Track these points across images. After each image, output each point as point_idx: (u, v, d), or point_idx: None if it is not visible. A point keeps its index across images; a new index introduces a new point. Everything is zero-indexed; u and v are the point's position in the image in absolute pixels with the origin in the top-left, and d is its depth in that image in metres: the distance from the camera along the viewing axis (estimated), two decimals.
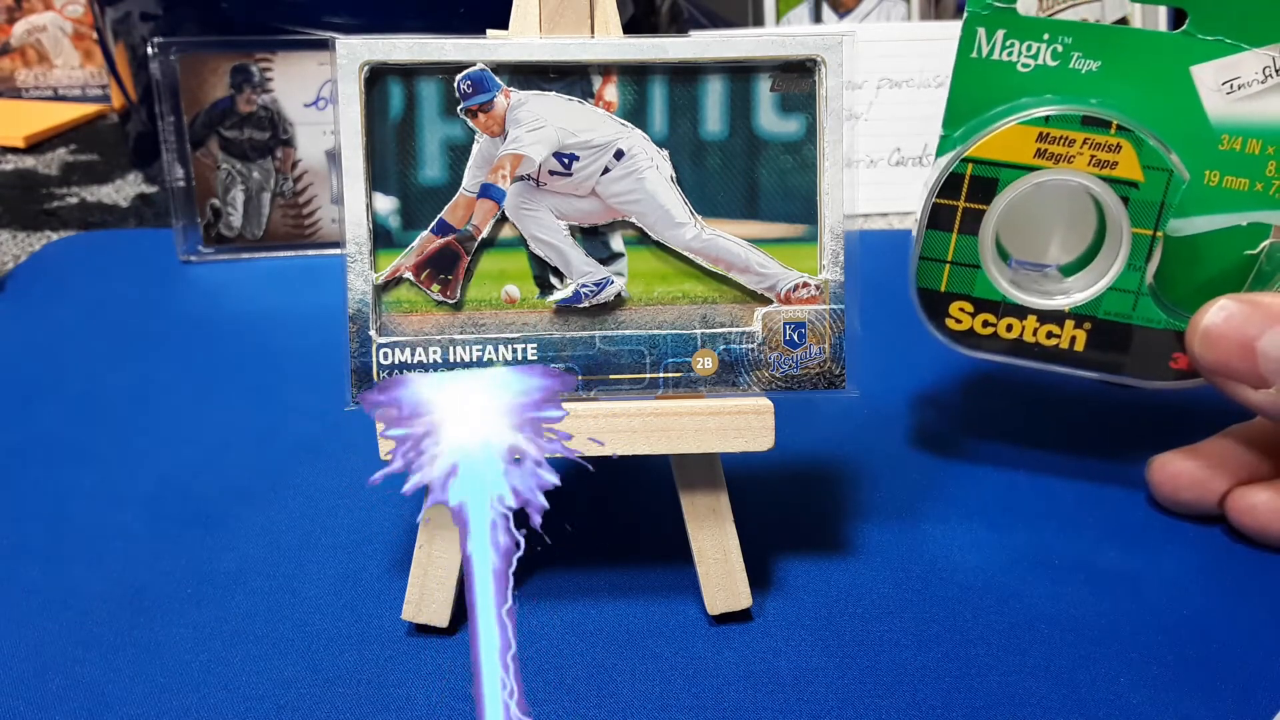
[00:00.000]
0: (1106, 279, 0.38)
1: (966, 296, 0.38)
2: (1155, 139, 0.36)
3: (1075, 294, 0.38)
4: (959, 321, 0.39)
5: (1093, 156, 0.36)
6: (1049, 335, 0.38)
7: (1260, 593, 0.36)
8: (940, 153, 0.39)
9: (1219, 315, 0.35)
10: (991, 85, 0.38)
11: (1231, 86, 0.37)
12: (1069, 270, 0.40)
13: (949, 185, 0.37)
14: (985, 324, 0.39)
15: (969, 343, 0.39)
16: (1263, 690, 0.32)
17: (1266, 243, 0.38)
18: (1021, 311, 0.38)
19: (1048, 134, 0.37)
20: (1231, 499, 0.38)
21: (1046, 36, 0.37)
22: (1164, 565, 0.37)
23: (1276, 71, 0.36)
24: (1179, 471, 0.39)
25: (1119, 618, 0.35)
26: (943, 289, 0.39)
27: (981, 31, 0.38)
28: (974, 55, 0.38)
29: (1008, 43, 0.38)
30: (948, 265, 0.38)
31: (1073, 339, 0.38)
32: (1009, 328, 0.38)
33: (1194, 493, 0.39)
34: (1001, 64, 0.38)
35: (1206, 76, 0.37)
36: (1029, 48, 0.38)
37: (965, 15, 0.38)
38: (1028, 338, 0.39)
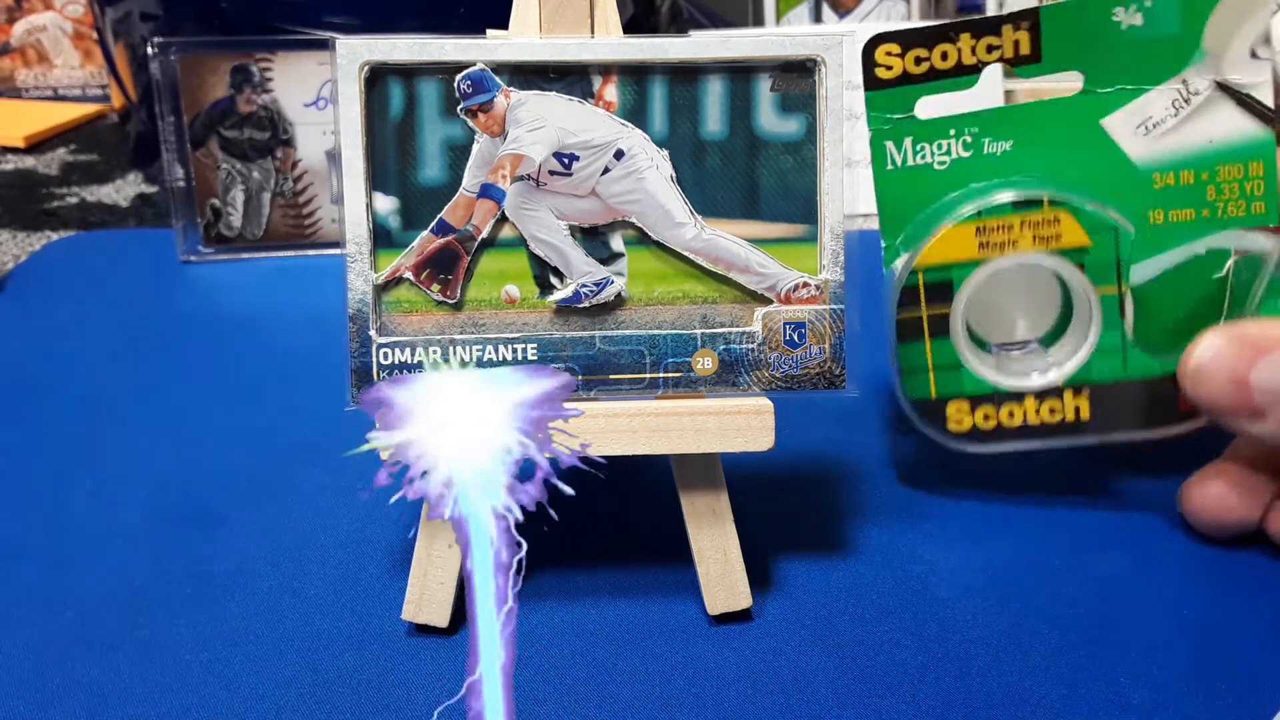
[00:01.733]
0: (1088, 345, 0.37)
1: (959, 396, 0.38)
2: (1092, 202, 0.36)
3: (1063, 366, 0.38)
4: (959, 422, 0.38)
5: (1035, 235, 0.37)
6: (1051, 412, 0.38)
7: (1260, 593, 0.36)
8: (888, 262, 0.39)
9: (1206, 354, 0.34)
10: (915, 189, 0.38)
11: (1146, 128, 0.37)
12: (1049, 339, 0.39)
13: (906, 298, 0.37)
14: (985, 417, 0.38)
15: (976, 440, 0.39)
16: (1263, 690, 0.32)
17: (1230, 262, 0.37)
18: (1018, 396, 0.38)
19: (984, 226, 0.37)
20: (1274, 518, 0.37)
21: (953, 132, 0.38)
22: (1164, 565, 0.37)
23: (1185, 101, 0.36)
24: (1220, 494, 0.37)
25: (1119, 618, 0.35)
26: (933, 395, 0.38)
27: (890, 145, 0.38)
28: (890, 168, 0.38)
29: (918, 148, 0.38)
30: (931, 372, 0.38)
31: (1076, 409, 0.38)
32: (1010, 415, 0.38)
33: (1238, 514, 0.37)
34: (918, 168, 0.38)
35: (1118, 125, 0.37)
36: (939, 146, 0.38)
37: (870, 134, 0.38)
38: (1031, 420, 0.38)
